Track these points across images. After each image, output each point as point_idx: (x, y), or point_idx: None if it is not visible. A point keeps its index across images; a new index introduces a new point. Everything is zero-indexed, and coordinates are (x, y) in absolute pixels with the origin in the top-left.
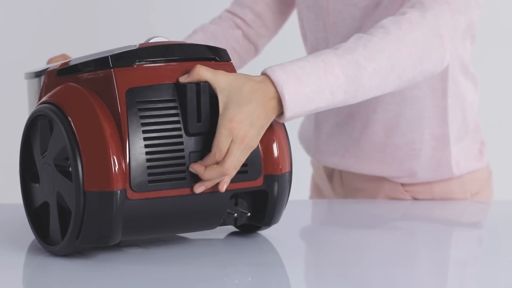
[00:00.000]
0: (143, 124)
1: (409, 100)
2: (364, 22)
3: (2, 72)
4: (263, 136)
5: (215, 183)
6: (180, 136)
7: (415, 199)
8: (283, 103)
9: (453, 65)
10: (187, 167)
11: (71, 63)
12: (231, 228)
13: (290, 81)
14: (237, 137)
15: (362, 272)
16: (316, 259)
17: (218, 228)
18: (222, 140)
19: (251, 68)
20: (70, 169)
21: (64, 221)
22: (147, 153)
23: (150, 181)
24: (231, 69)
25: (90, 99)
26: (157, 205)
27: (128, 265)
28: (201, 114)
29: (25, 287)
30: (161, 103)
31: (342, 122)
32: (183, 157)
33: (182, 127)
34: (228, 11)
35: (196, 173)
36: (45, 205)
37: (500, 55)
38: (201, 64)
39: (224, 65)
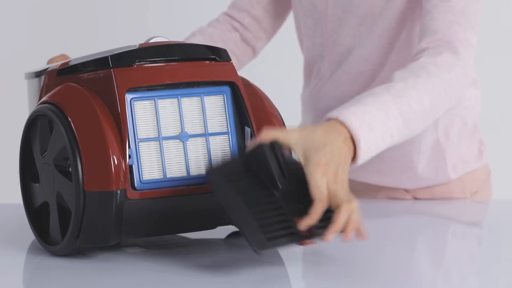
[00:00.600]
0: None
1: None
2: (360, 30)
3: (2, 72)
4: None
5: (343, 224)
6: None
7: (415, 198)
8: (358, 149)
9: None
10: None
11: (71, 63)
12: (231, 228)
13: (363, 127)
14: (330, 176)
15: (362, 272)
16: (317, 258)
17: (218, 228)
18: (319, 184)
19: (249, 70)
20: (70, 169)
21: (64, 221)
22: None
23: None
24: (232, 69)
25: (90, 99)
26: (157, 205)
27: (128, 265)
28: (283, 169)
29: (25, 287)
30: None
31: None
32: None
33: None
34: (226, 14)
35: (309, 226)
36: (45, 205)
37: (500, 55)
38: (200, 63)
39: (224, 65)
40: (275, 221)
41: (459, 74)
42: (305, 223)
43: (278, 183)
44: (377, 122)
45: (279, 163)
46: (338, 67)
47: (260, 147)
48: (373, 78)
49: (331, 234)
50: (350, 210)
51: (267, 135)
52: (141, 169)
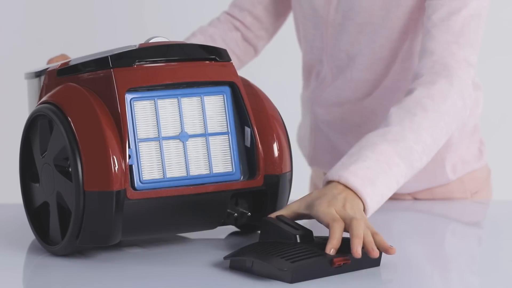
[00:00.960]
0: None
1: None
2: (360, 38)
3: (2, 72)
4: (263, 136)
5: (338, 239)
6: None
7: (415, 199)
8: (365, 206)
9: None
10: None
11: (71, 63)
12: (232, 228)
13: (366, 184)
14: (338, 206)
15: (361, 271)
16: None
17: (219, 228)
18: (326, 211)
19: (249, 70)
20: (70, 169)
21: (64, 221)
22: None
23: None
24: (231, 69)
25: (90, 99)
26: (157, 205)
27: (128, 265)
28: (294, 226)
29: (25, 287)
30: None
31: (335, 138)
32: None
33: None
34: (227, 13)
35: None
36: (45, 205)
37: (500, 56)
38: (200, 63)
39: (224, 65)
40: (300, 253)
41: (455, 100)
42: (329, 246)
43: (293, 233)
44: (379, 176)
45: (288, 223)
46: (340, 73)
47: (265, 221)
48: (375, 87)
49: (329, 249)
50: (357, 225)
51: (271, 216)
52: (141, 169)
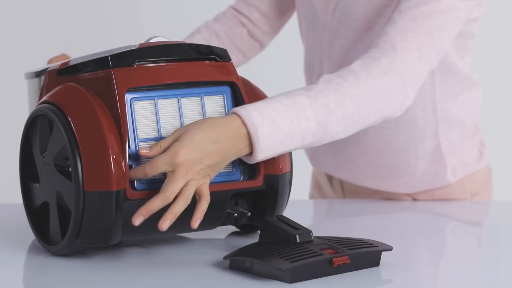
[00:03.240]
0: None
1: (402, 124)
2: (356, 44)
3: (2, 72)
4: None
5: (177, 215)
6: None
7: (415, 199)
8: (255, 145)
9: (447, 83)
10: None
11: (71, 63)
12: (232, 228)
13: (265, 123)
14: (180, 166)
15: (361, 271)
16: None
17: (219, 228)
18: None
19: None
20: (70, 169)
21: (64, 221)
22: None
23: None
24: (231, 69)
25: (90, 99)
26: None
27: (128, 265)
28: (294, 226)
29: (25, 287)
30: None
31: None
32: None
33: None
34: (234, 8)
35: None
36: (45, 205)
37: (500, 55)
38: (200, 63)
39: (224, 65)
40: (299, 253)
41: (394, 81)
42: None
43: (293, 233)
44: (283, 120)
45: (288, 223)
46: None
47: (265, 221)
48: None
49: (163, 223)
50: (165, 201)
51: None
52: None
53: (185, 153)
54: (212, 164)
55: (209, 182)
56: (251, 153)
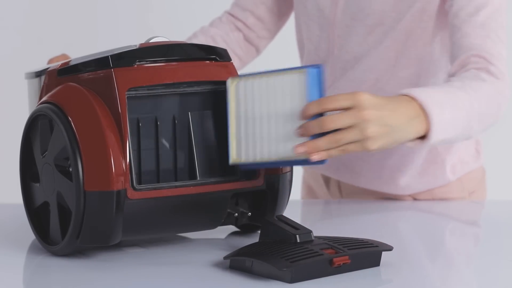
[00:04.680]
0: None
1: None
2: (368, 40)
3: (2, 72)
4: None
5: (316, 149)
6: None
7: (415, 199)
8: (431, 126)
9: None
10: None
11: (72, 63)
12: (232, 228)
13: (436, 107)
14: (358, 107)
15: (361, 271)
16: None
17: (219, 228)
18: (340, 97)
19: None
20: (70, 169)
21: (64, 221)
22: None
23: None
24: (232, 69)
25: (90, 99)
26: (157, 205)
27: (128, 265)
28: (295, 226)
29: (25, 287)
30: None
31: None
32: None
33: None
34: (229, 13)
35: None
36: (45, 205)
37: None
38: (201, 63)
39: (224, 65)
40: (299, 253)
41: (505, 87)
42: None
43: (293, 233)
44: (450, 107)
45: (288, 223)
46: (343, 74)
47: (265, 221)
48: (376, 86)
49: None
50: (321, 127)
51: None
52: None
53: (368, 97)
54: (386, 129)
55: (365, 149)
56: (420, 138)
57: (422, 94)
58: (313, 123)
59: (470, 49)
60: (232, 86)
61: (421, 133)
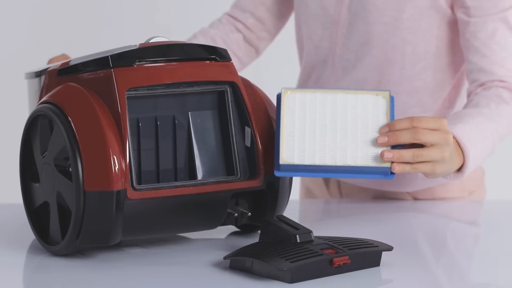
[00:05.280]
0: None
1: None
2: (369, 38)
3: (2, 72)
4: (263, 136)
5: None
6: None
7: (415, 199)
8: (467, 161)
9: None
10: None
11: (72, 63)
12: (232, 228)
13: (470, 143)
14: (443, 130)
15: (361, 271)
16: None
17: (219, 228)
18: (430, 119)
19: (249, 70)
20: (70, 169)
21: (64, 221)
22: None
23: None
24: (232, 69)
25: (90, 99)
26: (157, 205)
27: (128, 265)
28: (295, 226)
29: (25, 287)
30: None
31: None
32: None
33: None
34: (229, 14)
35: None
36: (45, 205)
37: None
38: (201, 63)
39: (224, 65)
40: (299, 253)
41: None
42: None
43: (293, 233)
44: (479, 140)
45: (288, 223)
46: (345, 74)
47: (265, 221)
48: (379, 87)
49: (383, 138)
50: (411, 124)
51: None
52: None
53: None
54: (450, 157)
55: (433, 171)
56: (455, 171)
57: (458, 130)
58: (405, 132)
59: (492, 74)
60: (285, 96)
61: (459, 166)
